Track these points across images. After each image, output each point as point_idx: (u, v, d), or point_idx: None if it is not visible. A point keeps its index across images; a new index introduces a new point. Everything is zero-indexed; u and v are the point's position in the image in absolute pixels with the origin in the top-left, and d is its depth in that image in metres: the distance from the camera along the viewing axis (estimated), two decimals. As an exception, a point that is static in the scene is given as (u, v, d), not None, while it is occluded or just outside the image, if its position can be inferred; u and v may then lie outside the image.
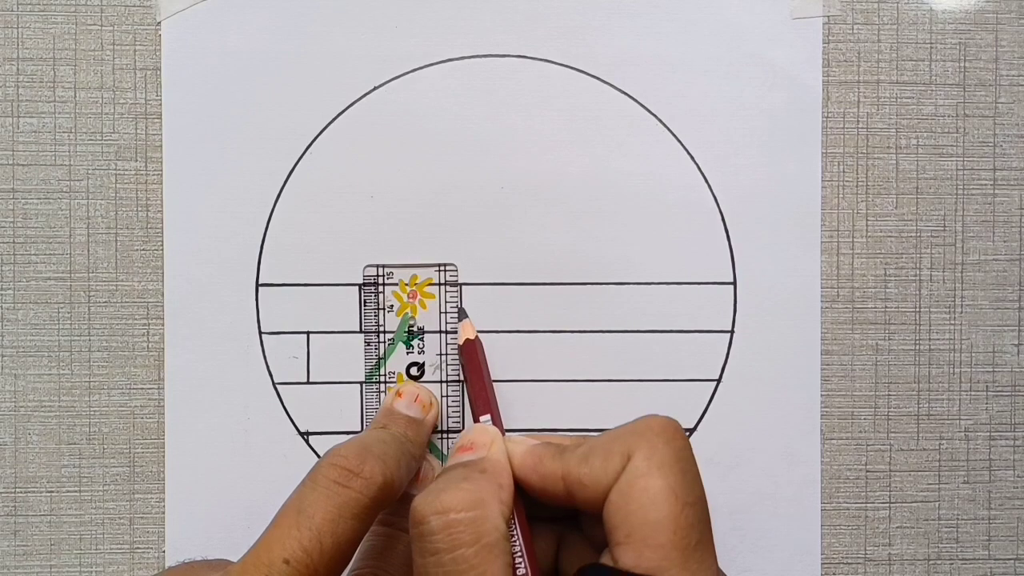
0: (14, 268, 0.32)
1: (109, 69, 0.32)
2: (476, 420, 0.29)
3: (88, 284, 0.32)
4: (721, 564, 0.32)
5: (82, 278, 0.32)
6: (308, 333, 0.32)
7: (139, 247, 0.32)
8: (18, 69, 0.32)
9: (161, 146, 0.32)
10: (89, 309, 0.32)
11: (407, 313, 0.32)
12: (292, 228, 0.32)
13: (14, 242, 0.32)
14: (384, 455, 0.26)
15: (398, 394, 0.31)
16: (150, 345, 0.32)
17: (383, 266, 0.32)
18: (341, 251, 0.32)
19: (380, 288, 0.32)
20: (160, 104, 0.32)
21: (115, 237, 0.32)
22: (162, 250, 0.32)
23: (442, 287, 0.32)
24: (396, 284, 0.32)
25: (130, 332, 0.32)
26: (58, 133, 0.32)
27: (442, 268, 0.32)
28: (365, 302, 0.32)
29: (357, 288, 0.32)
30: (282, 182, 0.32)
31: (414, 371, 0.32)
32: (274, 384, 0.32)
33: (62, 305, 0.32)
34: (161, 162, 0.32)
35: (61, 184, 0.32)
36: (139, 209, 0.32)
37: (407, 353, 0.32)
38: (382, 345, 0.32)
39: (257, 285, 0.32)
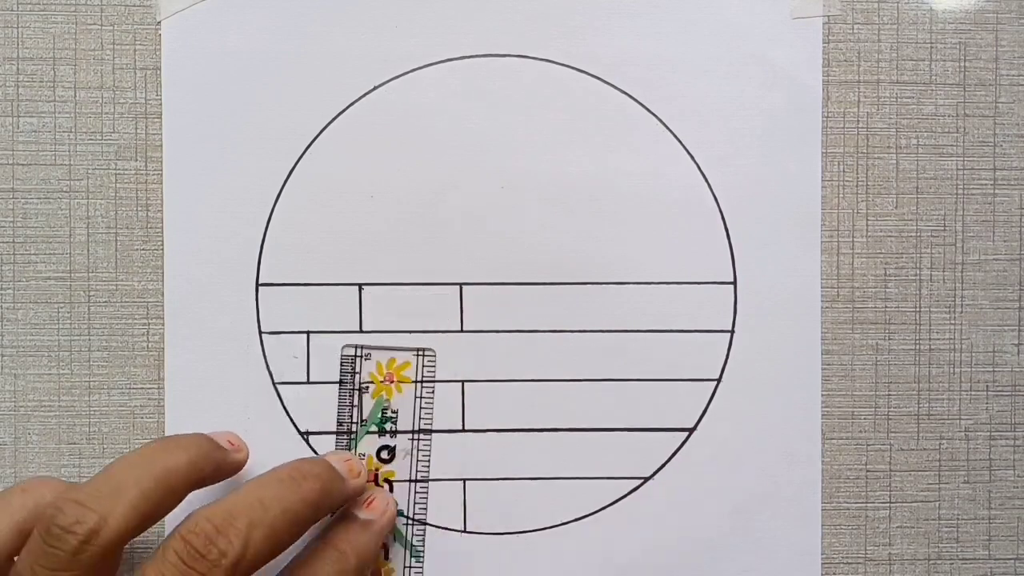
0: (14, 268, 0.32)
1: (109, 69, 0.32)
2: None
3: (88, 284, 0.32)
4: (721, 564, 0.33)
5: (82, 278, 0.32)
6: (308, 333, 0.32)
7: (139, 247, 0.32)
8: (18, 69, 0.32)
9: (161, 146, 0.32)
10: (89, 309, 0.32)
11: (382, 395, 0.32)
12: (292, 228, 0.32)
13: (14, 242, 0.32)
14: (249, 527, 0.25)
15: (335, 452, 0.31)
16: (150, 345, 0.32)
17: (362, 346, 0.32)
18: (341, 251, 0.32)
19: (358, 368, 0.32)
20: (160, 104, 0.32)
21: (115, 237, 0.32)
22: (162, 250, 0.32)
23: (419, 375, 0.32)
24: (373, 366, 0.32)
25: (130, 332, 0.32)
26: (58, 133, 0.32)
27: (420, 353, 0.32)
28: (343, 381, 0.32)
29: (357, 288, 0.32)
30: (282, 182, 0.32)
31: (385, 455, 0.32)
32: (274, 384, 0.32)
33: (62, 305, 0.32)
34: (161, 162, 0.32)
35: (61, 184, 0.32)
36: (139, 209, 0.32)
37: (379, 436, 0.32)
38: (355, 425, 0.32)
39: (257, 285, 0.32)
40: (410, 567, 0.32)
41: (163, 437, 0.31)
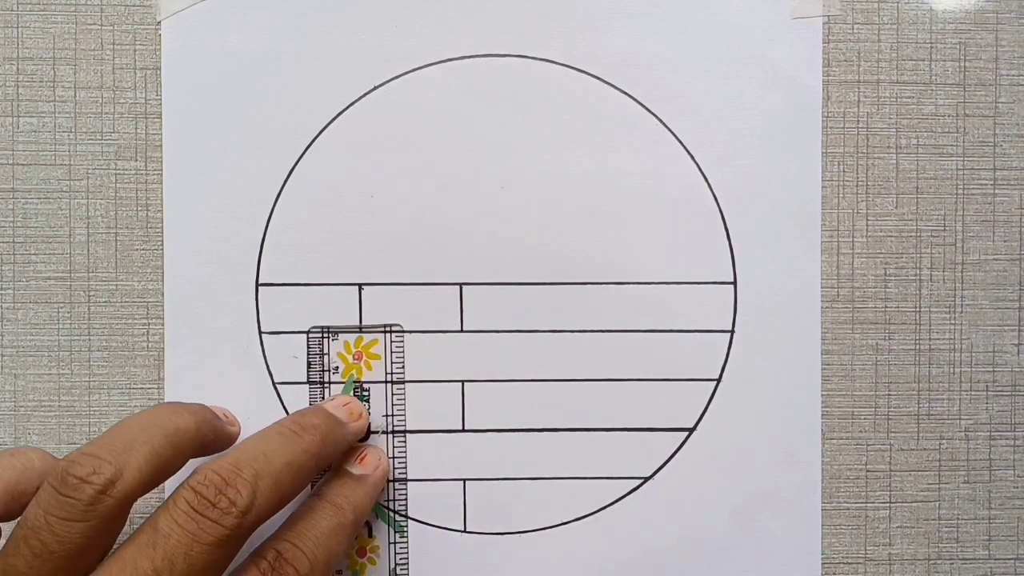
0: (14, 268, 0.32)
1: (109, 69, 0.32)
2: None
3: (88, 284, 0.32)
4: (721, 564, 0.33)
5: (82, 278, 0.32)
6: (308, 333, 0.32)
7: (139, 247, 0.32)
8: (18, 69, 0.32)
9: (161, 146, 0.32)
10: (89, 309, 0.32)
11: (352, 375, 0.32)
12: (292, 228, 0.32)
13: (14, 242, 0.32)
14: (255, 477, 0.25)
15: (332, 397, 0.31)
16: (150, 345, 0.32)
17: (327, 328, 0.32)
18: (341, 251, 0.32)
19: (325, 349, 0.32)
20: (160, 104, 0.32)
21: (115, 237, 0.32)
22: (162, 250, 0.32)
23: (387, 352, 0.32)
24: (341, 345, 0.32)
25: (130, 332, 0.32)
26: (58, 133, 0.32)
27: (388, 329, 0.32)
28: (310, 363, 0.32)
29: (357, 288, 0.32)
30: (282, 182, 0.32)
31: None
32: (274, 384, 0.32)
33: (62, 305, 0.32)
34: (161, 162, 0.32)
35: (61, 184, 0.32)
36: (139, 209, 0.32)
37: None
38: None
39: (257, 285, 0.32)
40: (394, 543, 0.32)
41: (166, 402, 0.31)
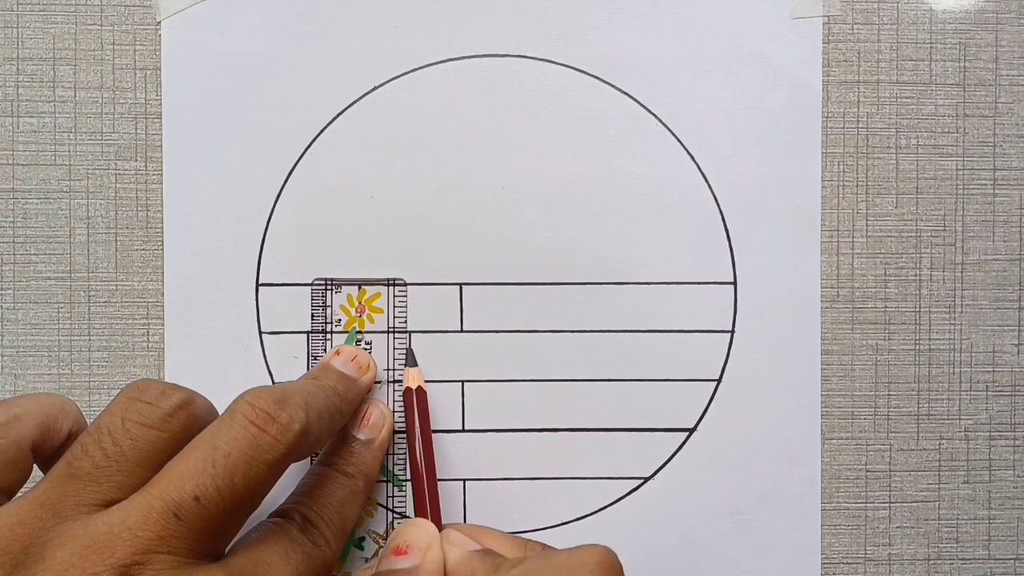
0: (14, 268, 0.32)
1: (109, 69, 0.32)
2: (416, 486, 0.30)
3: (88, 284, 0.32)
4: (721, 564, 0.33)
5: (82, 278, 0.32)
6: (308, 333, 0.32)
7: (139, 247, 0.32)
8: (18, 69, 0.32)
9: (161, 146, 0.32)
10: (89, 309, 0.32)
11: (355, 328, 0.32)
12: (292, 228, 0.32)
13: (14, 242, 0.32)
14: (305, 405, 0.25)
15: (337, 352, 0.31)
16: (150, 345, 0.32)
17: (331, 280, 0.32)
18: (341, 251, 0.32)
19: (328, 301, 0.32)
20: (160, 104, 0.32)
21: (115, 237, 0.32)
22: (162, 250, 0.32)
23: (392, 304, 0.32)
24: (344, 298, 0.32)
25: (130, 332, 0.32)
26: (58, 133, 0.32)
27: (391, 283, 0.32)
28: (313, 315, 0.32)
29: (358, 287, 0.32)
30: (282, 182, 0.32)
31: None
32: (274, 384, 0.32)
33: (62, 305, 0.32)
34: (161, 162, 0.32)
35: (61, 184, 0.32)
36: (139, 209, 0.32)
37: None
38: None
39: (257, 285, 0.32)
40: (393, 496, 0.32)
41: None
